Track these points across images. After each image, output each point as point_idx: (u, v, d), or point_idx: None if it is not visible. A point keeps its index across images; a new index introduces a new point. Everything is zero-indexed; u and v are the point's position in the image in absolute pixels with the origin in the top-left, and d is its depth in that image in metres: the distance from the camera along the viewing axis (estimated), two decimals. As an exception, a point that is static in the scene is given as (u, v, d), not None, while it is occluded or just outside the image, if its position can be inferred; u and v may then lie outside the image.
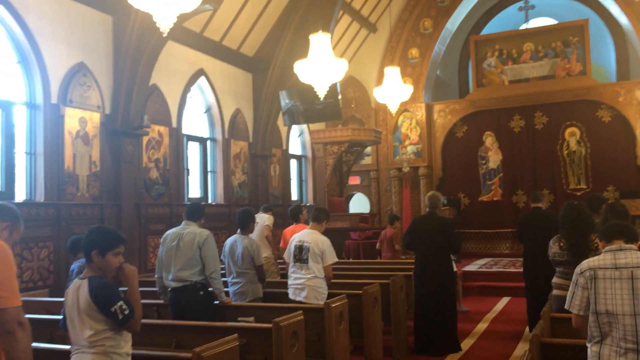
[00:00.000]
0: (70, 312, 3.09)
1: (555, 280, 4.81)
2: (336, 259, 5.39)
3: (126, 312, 3.00)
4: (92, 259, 3.13)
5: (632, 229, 3.03)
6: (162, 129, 9.44)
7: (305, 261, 5.17)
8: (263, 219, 7.18)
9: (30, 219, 7.04)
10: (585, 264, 2.99)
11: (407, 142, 14.70)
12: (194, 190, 10.63)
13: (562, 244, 4.68)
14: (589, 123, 13.45)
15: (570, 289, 3.03)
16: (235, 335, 3.48)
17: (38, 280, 7.10)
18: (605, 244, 3.02)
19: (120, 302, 3.00)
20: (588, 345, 2.99)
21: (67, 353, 3.20)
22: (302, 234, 5.35)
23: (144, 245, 8.86)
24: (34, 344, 3.41)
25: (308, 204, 14.20)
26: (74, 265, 5.02)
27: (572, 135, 13.65)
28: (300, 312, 4.27)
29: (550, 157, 13.79)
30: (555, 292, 4.72)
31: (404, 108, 14.23)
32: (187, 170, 10.29)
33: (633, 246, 2.96)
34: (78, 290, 3.05)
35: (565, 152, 13.73)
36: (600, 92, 13.26)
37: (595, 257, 3.00)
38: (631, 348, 2.80)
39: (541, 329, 3.43)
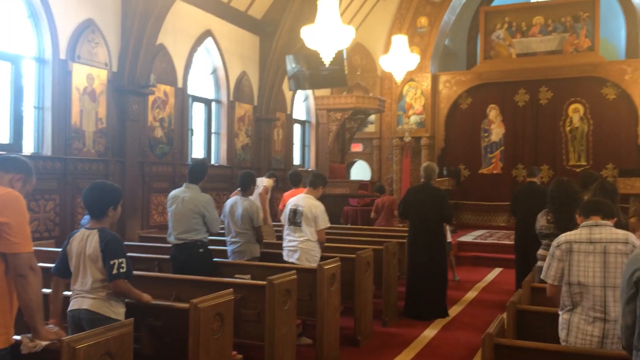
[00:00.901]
0: (75, 260, 3.29)
1: (540, 252, 5.00)
2: (329, 224, 5.57)
3: (122, 269, 3.19)
4: (108, 213, 3.32)
5: (610, 206, 3.19)
6: (167, 88, 9.54)
7: (299, 224, 5.36)
8: (263, 182, 7.34)
9: (37, 172, 7.10)
10: (562, 237, 3.16)
11: (410, 112, 14.76)
12: (197, 151, 10.79)
13: (549, 218, 4.85)
14: (593, 100, 13.47)
15: (546, 260, 3.22)
16: (231, 289, 3.69)
17: (44, 231, 7.34)
18: (583, 219, 3.18)
19: (122, 260, 3.20)
20: (560, 313, 3.19)
21: (67, 298, 3.42)
22: (297, 199, 5.53)
23: (147, 202, 9.07)
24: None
25: (309, 169, 14.36)
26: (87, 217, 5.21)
27: (575, 112, 13.69)
28: (294, 271, 4.47)
29: (553, 132, 13.86)
30: (539, 263, 4.92)
31: (409, 77, 14.25)
32: (192, 130, 10.43)
33: (609, 222, 3.13)
34: (86, 239, 3.24)
35: (568, 129, 13.79)
36: (607, 69, 13.25)
37: (572, 232, 3.17)
38: (599, 317, 2.99)
39: (519, 297, 3.62)
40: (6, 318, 2.50)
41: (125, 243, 6.87)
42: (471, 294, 8.11)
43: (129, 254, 5.89)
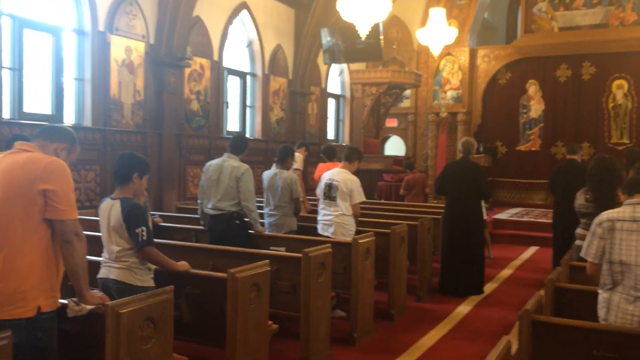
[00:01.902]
0: (102, 230, 3.38)
1: (578, 231, 4.90)
2: (364, 198, 5.57)
3: (144, 237, 3.26)
4: (133, 180, 3.39)
5: (655, 185, 3.10)
6: (203, 61, 9.59)
7: (334, 199, 5.37)
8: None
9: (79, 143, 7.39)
10: (604, 215, 3.09)
11: (447, 87, 14.51)
12: (232, 124, 10.86)
13: (588, 197, 4.74)
14: (638, 76, 13.00)
15: (587, 237, 3.15)
16: (267, 261, 3.73)
17: (85, 200, 7.53)
18: (627, 197, 3.10)
19: (143, 227, 3.27)
20: (600, 291, 3.13)
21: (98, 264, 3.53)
22: (333, 173, 5.52)
23: (184, 174, 9.20)
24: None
25: (343, 144, 14.32)
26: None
27: (619, 88, 13.25)
28: (329, 245, 4.50)
29: (595, 109, 13.46)
30: (577, 242, 4.83)
31: (447, 52, 13.95)
32: (227, 103, 10.48)
33: (654, 201, 3.04)
34: (110, 209, 3.33)
35: (611, 105, 13.37)
36: (654, 44, 12.73)
37: (615, 210, 3.10)
38: (640, 297, 2.93)
39: (558, 274, 3.57)
40: (53, 282, 2.58)
41: (163, 214, 7.07)
42: (506, 272, 8.04)
43: (166, 224, 6.08)
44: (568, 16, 13.86)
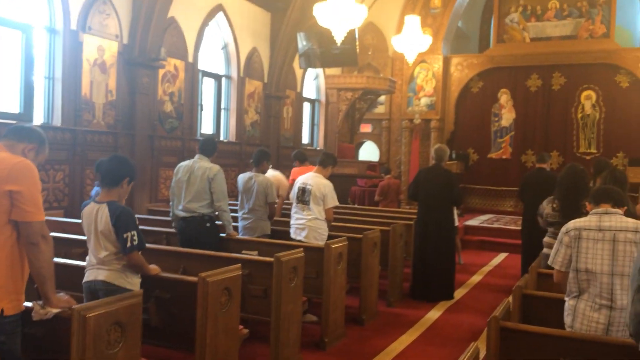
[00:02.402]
0: (87, 234, 3.32)
1: (545, 239, 4.99)
2: (337, 203, 5.59)
3: (135, 242, 3.22)
4: (123, 185, 3.35)
5: (620, 194, 3.17)
6: (178, 62, 9.51)
7: (307, 203, 5.38)
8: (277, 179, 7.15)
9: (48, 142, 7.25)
10: (571, 224, 3.15)
11: (421, 94, 14.66)
12: (206, 127, 10.78)
13: (554, 206, 4.82)
14: (606, 87, 13.34)
15: (555, 246, 3.21)
16: (239, 265, 3.71)
17: (53, 201, 7.38)
18: (593, 206, 3.17)
19: (134, 232, 3.23)
20: (566, 299, 3.19)
21: (80, 268, 3.46)
22: (307, 177, 5.53)
23: (156, 176, 9.10)
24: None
25: (318, 148, 14.34)
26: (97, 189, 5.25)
27: (587, 99, 13.57)
28: (301, 249, 4.50)
29: (564, 119, 13.75)
30: (545, 250, 4.91)
31: (421, 59, 14.11)
32: (201, 106, 10.41)
33: (619, 210, 3.11)
34: (96, 214, 3.26)
35: (580, 115, 13.67)
36: (622, 56, 13.08)
37: (582, 219, 3.16)
38: (605, 304, 3.00)
39: (525, 282, 3.63)
40: (17, 285, 2.53)
41: (137, 216, 6.96)
42: (476, 278, 8.14)
43: (142, 227, 5.98)
44: (539, 27, 14.15)
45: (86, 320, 2.56)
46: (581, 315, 3.07)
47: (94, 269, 3.27)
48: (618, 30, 13.78)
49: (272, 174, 7.15)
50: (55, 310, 2.60)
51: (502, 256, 10.05)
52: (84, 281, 3.30)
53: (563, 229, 3.18)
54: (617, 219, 3.06)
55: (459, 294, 7.06)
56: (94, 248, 3.28)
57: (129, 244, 3.19)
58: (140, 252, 3.31)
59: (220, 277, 3.45)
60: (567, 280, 3.17)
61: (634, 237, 2.99)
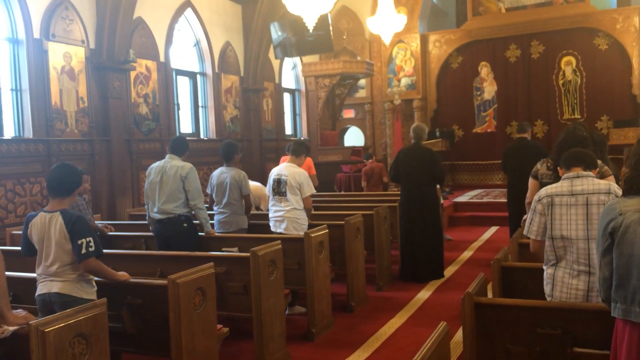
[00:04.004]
0: (38, 245, 3.19)
1: None
2: (314, 191, 5.49)
3: (91, 249, 3.11)
4: (73, 194, 3.28)
5: (591, 157, 3.09)
6: (149, 63, 9.36)
7: (284, 194, 5.28)
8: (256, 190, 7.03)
9: (20, 155, 7.13)
10: (543, 191, 3.07)
11: (401, 74, 14.53)
12: (185, 126, 10.65)
13: (549, 164, 4.59)
14: (585, 51, 13.24)
15: (528, 215, 3.13)
16: (211, 263, 3.61)
17: (32, 215, 7.26)
18: (565, 171, 3.08)
19: (90, 238, 3.12)
20: (544, 267, 3.12)
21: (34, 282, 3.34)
22: (280, 168, 5.43)
23: (136, 180, 8.98)
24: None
25: (302, 138, 14.23)
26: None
27: (568, 65, 13.48)
28: (278, 242, 4.40)
29: (546, 87, 13.66)
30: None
31: (398, 39, 13.97)
32: (178, 105, 10.27)
33: (590, 173, 3.03)
34: (48, 223, 3.15)
35: (561, 82, 13.59)
36: (598, 19, 12.98)
37: (553, 185, 3.08)
38: (583, 270, 2.92)
39: (505, 254, 3.56)
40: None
41: (114, 222, 6.87)
42: (467, 254, 8.09)
43: (116, 233, 5.89)
44: (514, -4, 14.02)
45: (45, 335, 2.46)
46: (560, 283, 2.99)
47: (47, 281, 3.15)
48: (594, -8, 13.69)
49: (251, 184, 7.04)
50: (12, 328, 2.51)
51: (492, 230, 10.00)
52: (37, 294, 3.18)
53: (535, 197, 3.10)
54: (588, 182, 2.97)
55: (449, 272, 7.01)
56: (45, 258, 3.17)
57: (84, 250, 3.09)
58: (97, 259, 3.20)
59: (191, 277, 3.35)
60: (543, 249, 3.09)
61: (606, 198, 2.91)
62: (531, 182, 4.58)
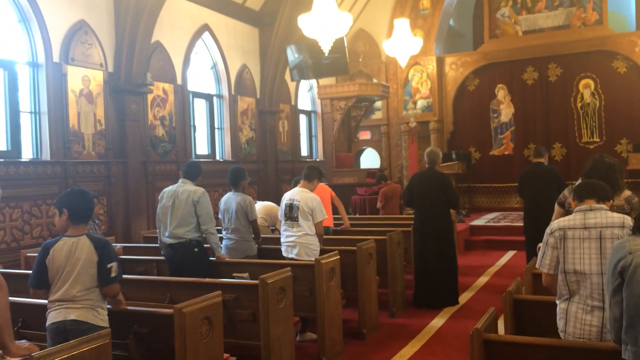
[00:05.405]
0: (58, 270, 3.20)
1: None
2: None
3: (115, 274, 3.20)
4: (87, 221, 3.39)
5: (604, 188, 3.02)
6: (166, 86, 9.47)
7: (296, 219, 5.26)
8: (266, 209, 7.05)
9: (37, 177, 7.22)
10: (555, 224, 3.01)
11: (417, 96, 14.52)
12: (201, 147, 10.72)
13: None
14: (604, 74, 13.11)
15: (541, 248, 3.06)
16: (219, 292, 3.58)
17: (48, 236, 7.31)
18: (577, 203, 3.02)
19: (115, 263, 3.21)
20: (557, 302, 3.04)
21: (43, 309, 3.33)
22: (292, 193, 5.42)
23: (152, 201, 9.01)
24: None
25: (318, 160, 14.24)
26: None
27: (586, 87, 13.35)
28: (288, 268, 4.37)
29: (564, 109, 13.53)
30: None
31: (414, 61, 13.99)
32: (194, 127, 10.35)
33: (604, 206, 2.96)
34: (75, 247, 3.18)
35: (579, 105, 13.45)
36: (617, 42, 12.87)
37: (566, 217, 3.01)
38: (597, 306, 2.84)
39: (517, 285, 3.48)
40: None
41: (128, 245, 6.90)
42: (482, 280, 7.96)
43: (128, 256, 5.92)
44: (531, 19, 13.98)
45: (48, 367, 2.44)
46: (573, 319, 2.91)
47: (62, 308, 3.13)
48: (613, 15, 13.58)
49: (261, 204, 7.04)
50: None
51: (509, 254, 9.85)
52: (49, 323, 3.16)
53: (547, 230, 3.04)
54: (602, 215, 2.90)
55: (464, 298, 6.89)
56: (64, 284, 3.16)
57: (113, 274, 3.20)
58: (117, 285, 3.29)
59: (197, 306, 3.33)
60: (556, 283, 3.02)
61: (620, 232, 2.84)
62: (557, 209, 4.43)
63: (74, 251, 3.18)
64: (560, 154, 13.46)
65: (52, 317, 3.15)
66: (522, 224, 10.48)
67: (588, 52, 13.13)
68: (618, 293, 2.12)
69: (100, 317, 3.20)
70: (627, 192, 3.90)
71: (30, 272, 3.37)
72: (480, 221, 11.83)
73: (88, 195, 3.43)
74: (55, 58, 7.57)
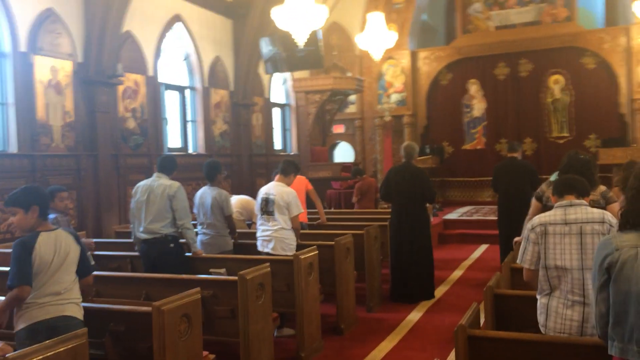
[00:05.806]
0: (45, 265, 3.03)
1: None
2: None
3: (93, 262, 3.21)
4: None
5: (583, 184, 3.05)
6: (138, 77, 9.27)
7: (272, 213, 5.20)
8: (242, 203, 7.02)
9: (4, 170, 7.00)
10: (536, 219, 3.02)
11: (391, 90, 14.55)
12: (174, 140, 10.55)
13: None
14: (573, 70, 13.34)
15: (522, 244, 3.08)
16: (198, 289, 3.51)
17: (16, 232, 7.11)
18: (558, 199, 3.04)
19: (89, 252, 3.22)
20: (538, 297, 3.06)
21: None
22: (269, 187, 5.37)
23: (123, 195, 8.84)
24: None
25: (292, 153, 14.17)
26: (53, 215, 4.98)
27: (556, 83, 13.56)
28: (267, 264, 4.32)
29: (535, 105, 13.72)
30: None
31: (388, 55, 13.98)
32: (166, 119, 10.17)
33: (583, 201, 2.99)
34: (60, 240, 3.10)
35: (550, 100, 13.66)
36: (586, 38, 13.10)
37: (547, 213, 3.03)
38: (578, 300, 2.87)
39: (497, 280, 3.50)
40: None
41: (102, 240, 6.74)
42: (457, 273, 8.03)
43: (101, 252, 5.77)
44: (503, 15, 14.13)
45: (22, 369, 2.35)
46: (554, 314, 2.93)
47: (53, 304, 3.00)
48: (582, 12, 13.79)
49: (236, 198, 6.98)
50: (-13, 361, 2.40)
51: (482, 248, 9.96)
52: (41, 319, 2.97)
53: (528, 225, 3.05)
54: (582, 211, 2.93)
55: (439, 291, 6.94)
56: (52, 279, 3.02)
57: (92, 262, 3.23)
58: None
59: (176, 304, 3.25)
60: (537, 278, 3.04)
61: (600, 228, 2.87)
62: (534, 203, 4.44)
63: (60, 245, 3.10)
64: (531, 148, 13.66)
65: (45, 313, 2.99)
66: (495, 218, 10.63)
67: (558, 48, 13.33)
68: (604, 289, 2.13)
69: (81, 312, 3.16)
70: (602, 187, 3.95)
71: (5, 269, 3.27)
72: (453, 215, 11.94)
73: (43, 190, 3.43)
74: (22, 47, 7.33)
